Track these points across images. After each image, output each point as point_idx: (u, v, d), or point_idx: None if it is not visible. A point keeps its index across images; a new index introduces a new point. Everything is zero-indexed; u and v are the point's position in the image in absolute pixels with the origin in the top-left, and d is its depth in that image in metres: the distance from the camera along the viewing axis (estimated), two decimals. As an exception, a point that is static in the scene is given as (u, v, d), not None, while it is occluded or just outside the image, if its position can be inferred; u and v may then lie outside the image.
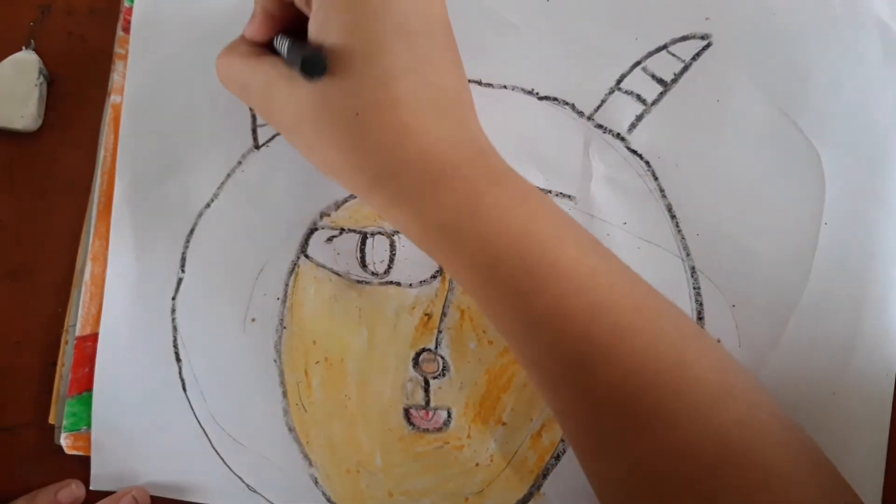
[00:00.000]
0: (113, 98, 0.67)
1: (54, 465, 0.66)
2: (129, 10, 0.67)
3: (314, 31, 0.51)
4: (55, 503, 0.64)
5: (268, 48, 0.58)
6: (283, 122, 0.55)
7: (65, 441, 0.65)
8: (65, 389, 0.66)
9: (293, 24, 0.56)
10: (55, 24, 0.68)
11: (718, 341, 0.60)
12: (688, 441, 0.48)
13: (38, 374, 0.67)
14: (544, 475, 0.62)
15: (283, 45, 0.54)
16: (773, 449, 0.48)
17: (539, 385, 0.54)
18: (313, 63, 0.48)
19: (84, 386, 0.65)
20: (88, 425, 0.65)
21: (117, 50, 0.67)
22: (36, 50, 0.68)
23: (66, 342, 0.66)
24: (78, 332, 0.66)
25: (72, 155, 0.68)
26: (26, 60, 0.67)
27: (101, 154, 0.67)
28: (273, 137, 0.65)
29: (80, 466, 0.66)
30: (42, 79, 0.67)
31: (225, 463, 0.64)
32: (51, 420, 0.66)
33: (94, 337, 0.65)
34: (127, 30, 0.67)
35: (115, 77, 0.67)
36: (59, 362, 0.66)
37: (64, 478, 0.65)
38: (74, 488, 0.65)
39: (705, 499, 0.48)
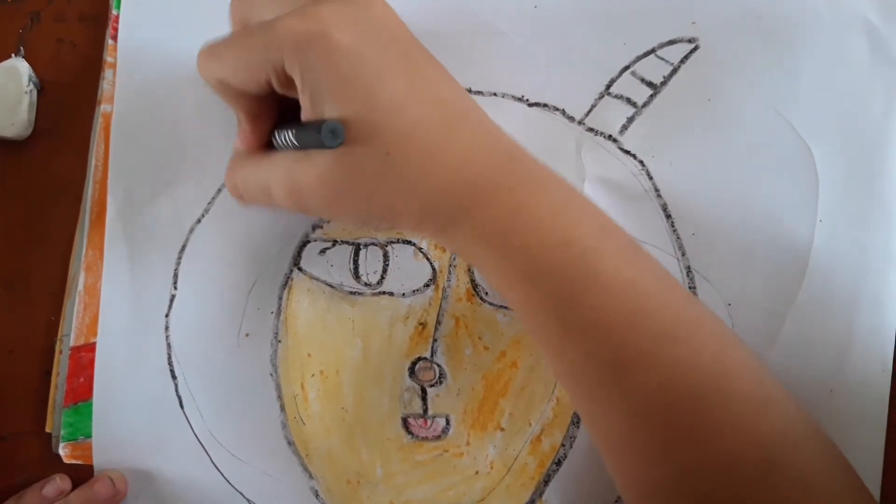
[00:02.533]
0: (103, 107, 0.66)
1: (54, 472, 0.66)
2: (117, 17, 0.66)
3: (308, 107, 0.51)
4: (42, 499, 0.65)
5: (268, 148, 0.58)
6: (317, 200, 0.53)
7: (63, 451, 0.65)
8: (60, 399, 0.66)
9: (279, 120, 0.57)
10: (45, 32, 0.68)
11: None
12: (732, 452, 0.48)
13: (33, 383, 0.67)
14: (546, 481, 0.62)
15: (286, 135, 0.54)
16: (812, 460, 0.49)
17: (575, 393, 0.54)
18: (332, 132, 0.48)
19: (80, 396, 0.65)
20: (86, 435, 0.65)
21: (106, 58, 0.67)
22: (26, 57, 0.68)
23: (60, 352, 0.66)
24: (72, 343, 0.66)
25: (63, 162, 0.68)
26: (16, 68, 0.66)
27: (93, 163, 0.66)
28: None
29: (78, 475, 0.66)
30: (32, 86, 0.67)
31: (225, 478, 0.64)
32: (48, 429, 0.66)
33: (88, 347, 0.65)
34: (115, 38, 0.66)
35: (105, 86, 0.66)
36: (54, 372, 0.66)
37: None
38: (59, 481, 0.65)
39: None
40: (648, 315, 0.50)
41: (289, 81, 0.52)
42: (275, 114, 0.57)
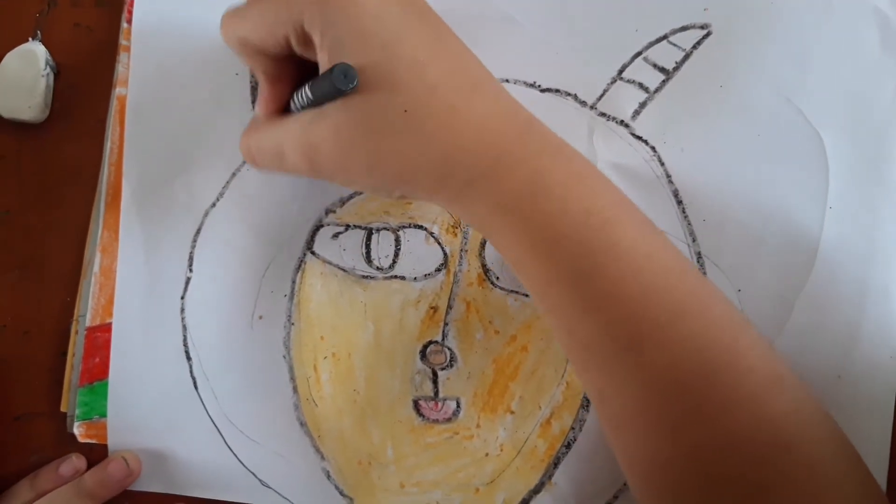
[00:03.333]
0: (118, 90, 0.67)
1: (67, 452, 0.67)
2: (133, 1, 0.67)
3: (326, 63, 0.51)
4: (58, 477, 0.65)
5: (286, 114, 0.57)
6: (332, 158, 0.53)
7: (78, 430, 0.66)
8: (76, 379, 0.66)
9: (298, 83, 0.56)
10: (61, 16, 0.68)
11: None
12: (742, 429, 0.48)
13: (48, 364, 0.67)
14: (555, 464, 0.63)
15: (302, 92, 0.54)
16: (819, 443, 0.49)
17: (587, 367, 0.54)
18: (344, 72, 0.48)
19: (95, 376, 0.66)
20: (101, 414, 0.66)
21: (122, 42, 0.67)
22: (42, 41, 0.68)
23: (76, 332, 0.67)
24: (88, 323, 0.66)
25: (79, 145, 0.68)
26: (33, 51, 0.67)
27: (108, 145, 0.67)
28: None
29: (93, 454, 0.66)
30: (49, 70, 0.67)
31: (238, 459, 0.65)
32: (63, 408, 0.67)
33: (104, 327, 0.66)
34: (131, 21, 0.67)
35: (120, 69, 0.67)
36: (70, 352, 0.67)
37: (78, 465, 0.67)
38: (75, 460, 0.66)
39: (757, 489, 0.48)
40: (664, 290, 0.50)
41: (308, 41, 0.52)
42: (294, 79, 0.57)
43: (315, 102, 0.53)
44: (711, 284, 0.54)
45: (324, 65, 0.51)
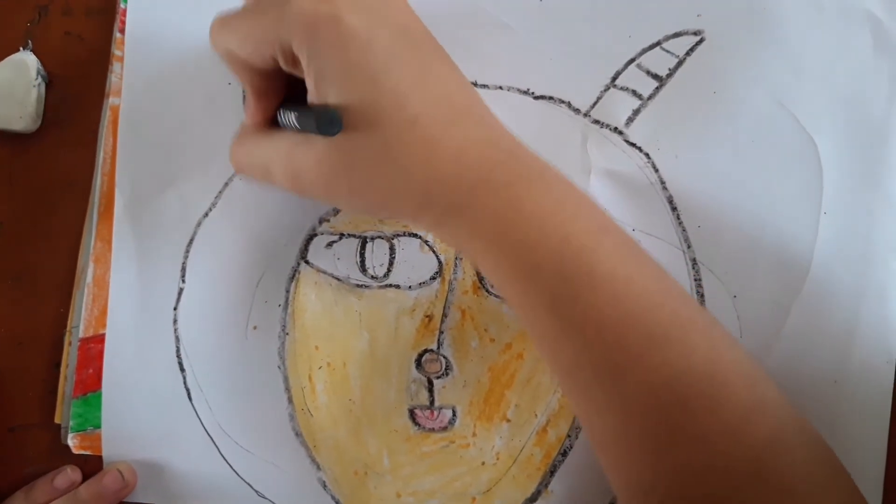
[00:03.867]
0: (111, 100, 0.67)
1: (61, 464, 0.66)
2: (125, 11, 0.66)
3: (316, 89, 0.51)
4: (53, 490, 0.65)
5: (273, 125, 0.58)
6: (315, 184, 0.54)
7: (72, 441, 0.66)
8: (69, 390, 0.66)
9: (287, 94, 0.57)
10: (52, 25, 0.68)
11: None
12: (718, 458, 0.48)
13: (42, 375, 0.67)
14: (552, 472, 0.63)
15: (289, 117, 0.54)
16: (800, 468, 0.49)
17: (570, 390, 0.54)
18: (329, 121, 0.49)
19: (89, 387, 0.66)
20: (95, 425, 0.66)
21: (114, 51, 0.67)
22: (34, 51, 0.68)
23: (70, 343, 0.66)
24: (81, 334, 0.66)
25: (71, 155, 0.68)
26: (24, 61, 0.66)
27: (101, 155, 0.66)
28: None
29: (87, 465, 0.66)
30: (40, 79, 0.67)
31: (234, 470, 0.65)
32: (57, 420, 0.67)
33: (97, 338, 0.66)
34: (123, 31, 0.66)
35: (113, 79, 0.67)
36: (63, 363, 0.66)
37: (72, 477, 0.66)
38: (70, 473, 0.66)
39: None
40: (642, 315, 0.50)
41: (295, 61, 0.52)
42: (282, 91, 0.57)
43: (301, 131, 0.53)
44: (695, 304, 0.54)
45: (311, 91, 0.52)
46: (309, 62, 0.50)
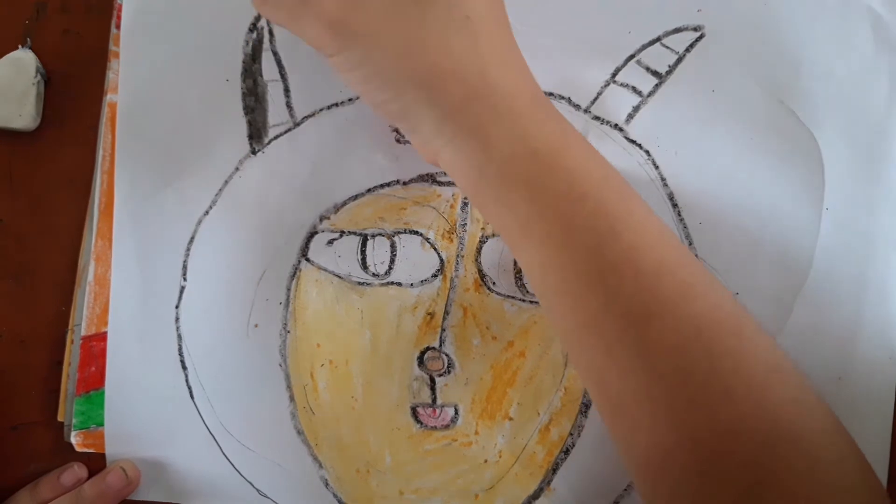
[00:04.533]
0: (110, 97, 0.66)
1: (64, 461, 0.66)
2: (122, 7, 0.66)
3: None
4: (59, 486, 0.65)
5: None
6: (370, 24, 0.50)
7: (75, 439, 0.66)
8: (72, 388, 0.66)
9: None
10: (51, 22, 0.68)
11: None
12: (744, 416, 0.48)
13: (45, 373, 0.67)
14: (554, 470, 0.63)
15: None
16: (821, 435, 0.48)
17: (591, 347, 0.52)
18: None
19: (91, 385, 0.66)
20: (98, 423, 0.66)
21: (112, 48, 0.66)
22: (32, 48, 0.67)
23: (72, 341, 0.67)
24: (83, 332, 0.66)
25: (71, 153, 0.68)
26: (23, 59, 0.66)
27: (100, 153, 0.66)
28: (269, 143, 0.65)
29: (91, 463, 0.66)
30: (39, 77, 0.67)
31: (235, 469, 0.65)
32: (60, 418, 0.67)
33: (99, 336, 0.66)
34: (120, 27, 0.66)
35: (111, 75, 0.66)
36: (66, 361, 0.67)
37: (75, 475, 0.67)
38: (77, 469, 0.66)
39: (756, 481, 0.47)
40: (675, 266, 0.50)
41: None
42: None
43: None
44: (709, 272, 0.53)
45: None
46: None
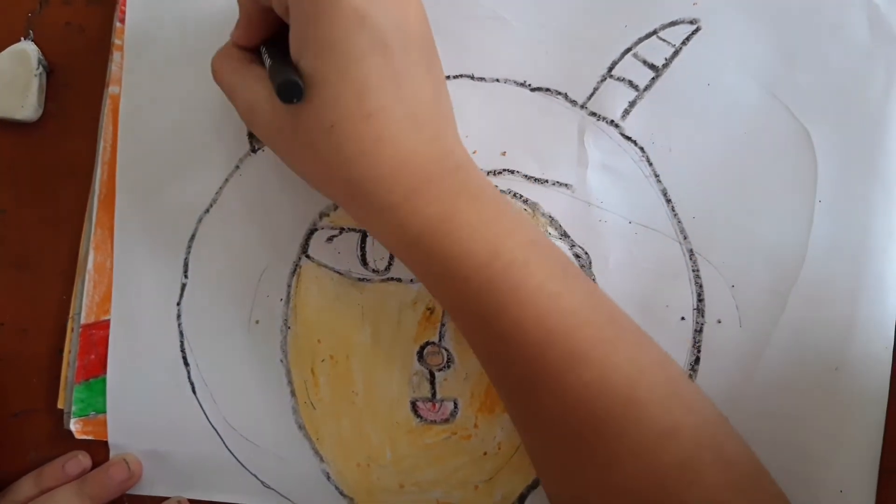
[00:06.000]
0: (111, 89, 0.67)
1: (64, 449, 0.67)
2: (125, 1, 0.67)
3: (293, 46, 0.52)
4: (63, 475, 0.66)
5: (257, 54, 0.58)
6: (263, 135, 0.56)
7: (74, 426, 0.67)
8: (72, 376, 0.67)
9: (276, 30, 0.57)
10: (53, 15, 0.68)
11: (719, 322, 0.61)
12: (626, 482, 0.49)
13: (45, 361, 0.68)
14: (552, 460, 0.63)
15: (266, 59, 0.55)
16: (708, 493, 0.49)
17: (502, 399, 0.56)
18: (289, 90, 0.49)
19: (91, 372, 0.66)
20: (97, 410, 0.66)
21: (114, 41, 0.67)
22: (35, 40, 0.68)
23: (72, 329, 0.67)
24: (83, 320, 0.66)
25: (72, 144, 0.68)
26: (25, 51, 0.67)
27: (101, 144, 0.67)
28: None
29: (90, 450, 0.67)
30: (41, 69, 0.67)
31: (239, 462, 0.65)
32: (60, 405, 0.67)
33: (99, 325, 0.66)
34: (123, 20, 0.66)
35: (113, 68, 0.67)
36: (66, 349, 0.67)
37: (74, 462, 0.67)
38: (81, 458, 0.67)
39: None
40: (564, 333, 0.51)
41: (286, 9, 0.52)
42: (269, 29, 0.57)
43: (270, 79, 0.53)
44: (625, 325, 0.54)
45: (291, 44, 0.52)
46: (294, 20, 0.51)
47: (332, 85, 0.50)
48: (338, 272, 0.64)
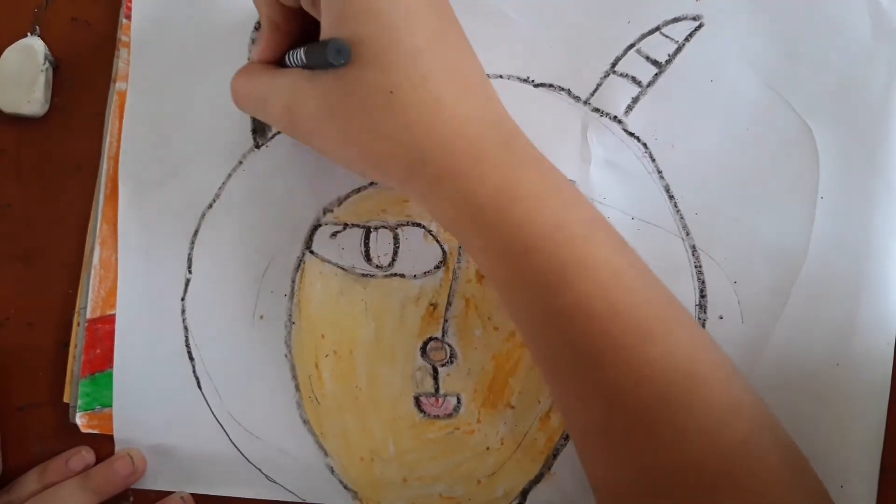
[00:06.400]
0: (118, 85, 0.67)
1: (70, 443, 0.68)
2: (132, -1, 0.67)
3: (328, 27, 0.51)
4: (67, 471, 0.66)
5: (279, 66, 0.58)
6: (310, 121, 0.54)
7: (80, 420, 0.67)
8: (78, 370, 0.67)
9: (300, 39, 0.57)
10: (59, 10, 0.68)
11: (721, 318, 0.61)
12: (693, 456, 0.49)
13: (51, 355, 0.68)
14: (555, 455, 0.63)
15: (297, 55, 0.54)
16: (771, 471, 0.49)
17: (552, 379, 0.55)
18: (338, 49, 0.48)
19: (97, 367, 0.67)
20: (103, 405, 0.67)
21: (121, 37, 0.67)
22: (41, 36, 0.68)
23: (78, 324, 0.67)
24: (89, 315, 0.67)
25: (78, 139, 0.68)
26: (32, 46, 0.67)
27: (107, 139, 0.67)
28: (272, 137, 0.65)
29: (95, 444, 0.67)
30: (48, 64, 0.67)
31: (244, 456, 0.66)
32: (65, 399, 0.67)
33: (104, 319, 0.66)
34: (129, 17, 0.67)
35: (120, 64, 0.67)
36: (72, 343, 0.67)
37: (79, 456, 0.68)
38: (85, 454, 0.67)
39: None
40: (629, 309, 0.50)
41: (316, 1, 0.52)
42: (295, 34, 0.57)
43: (308, 66, 0.53)
44: (678, 304, 0.54)
45: (325, 28, 0.51)
46: (331, 1, 0.50)
47: (383, 51, 0.49)
48: (341, 268, 0.64)
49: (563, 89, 0.63)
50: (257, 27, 0.65)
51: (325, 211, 0.65)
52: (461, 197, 0.52)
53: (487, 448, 0.64)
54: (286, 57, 0.57)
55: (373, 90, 0.50)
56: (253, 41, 0.65)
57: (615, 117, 0.62)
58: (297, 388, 0.65)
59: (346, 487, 0.65)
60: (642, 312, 0.51)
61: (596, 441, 0.53)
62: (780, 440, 0.51)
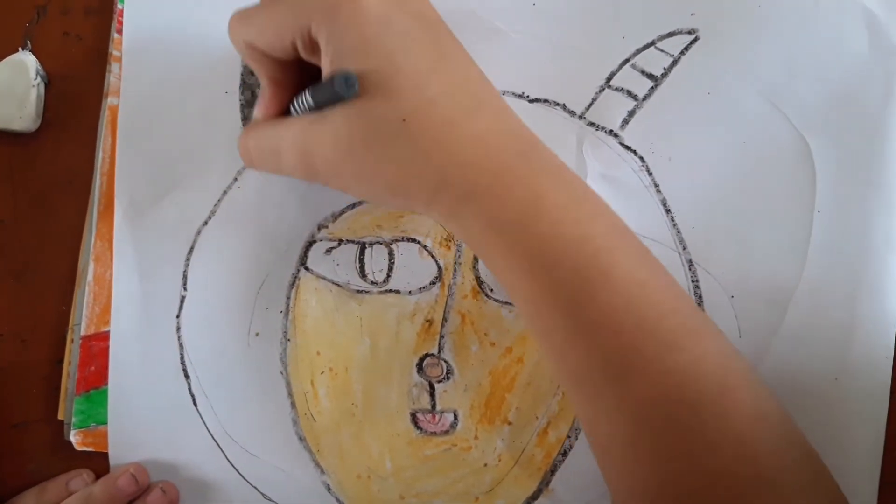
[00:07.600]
0: (110, 100, 0.67)
1: (64, 460, 0.67)
2: (122, 12, 0.66)
3: (329, 67, 0.51)
4: (67, 492, 0.66)
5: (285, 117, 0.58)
6: (328, 163, 0.53)
7: (75, 437, 0.66)
8: (72, 387, 0.66)
9: (300, 87, 0.56)
10: (51, 25, 0.68)
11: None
12: (725, 465, 0.48)
13: (45, 372, 0.68)
14: (552, 471, 0.63)
15: (303, 97, 0.54)
16: (798, 480, 0.49)
17: (576, 393, 0.54)
18: (346, 78, 0.48)
19: (91, 384, 0.66)
20: (98, 422, 0.66)
21: (112, 52, 0.67)
22: (32, 51, 0.68)
23: (72, 341, 0.67)
24: (83, 332, 0.66)
25: (71, 154, 0.68)
26: (23, 61, 0.67)
27: (100, 155, 0.67)
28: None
29: (89, 462, 0.67)
30: (39, 79, 0.67)
31: (240, 474, 0.65)
32: (60, 416, 0.67)
33: (99, 336, 0.66)
34: (121, 31, 0.66)
35: (111, 79, 0.67)
36: (66, 360, 0.67)
37: (74, 474, 0.67)
38: (86, 477, 0.66)
39: None
40: (656, 320, 0.50)
41: (314, 46, 0.52)
42: (296, 84, 0.57)
43: (316, 107, 0.53)
44: (704, 315, 0.54)
45: (327, 71, 0.51)
46: (328, 42, 0.50)
47: (388, 78, 0.49)
48: (336, 284, 0.64)
49: (558, 104, 0.63)
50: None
51: (320, 227, 0.64)
52: (485, 216, 0.51)
53: (485, 464, 0.63)
54: (291, 106, 0.57)
55: (384, 121, 0.50)
56: (244, 105, 0.65)
57: (611, 131, 0.62)
58: (293, 405, 0.65)
59: (342, 505, 0.65)
60: (669, 323, 0.50)
61: (622, 453, 0.52)
62: (805, 448, 0.51)
